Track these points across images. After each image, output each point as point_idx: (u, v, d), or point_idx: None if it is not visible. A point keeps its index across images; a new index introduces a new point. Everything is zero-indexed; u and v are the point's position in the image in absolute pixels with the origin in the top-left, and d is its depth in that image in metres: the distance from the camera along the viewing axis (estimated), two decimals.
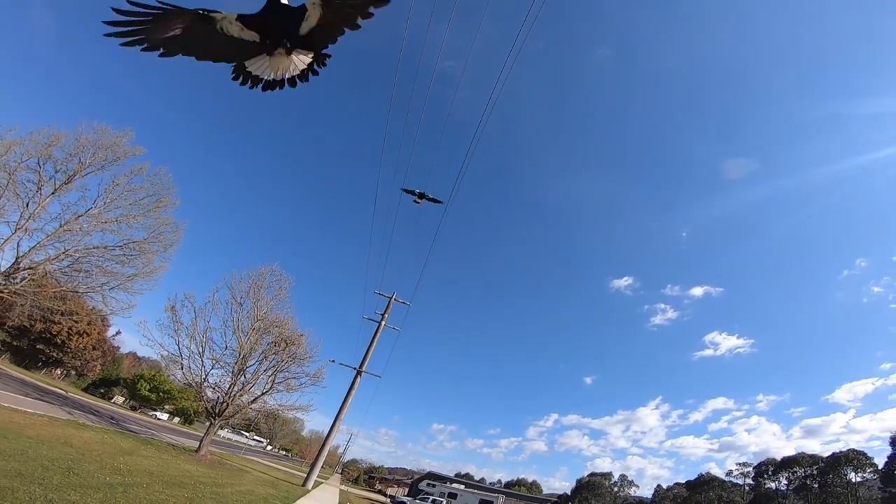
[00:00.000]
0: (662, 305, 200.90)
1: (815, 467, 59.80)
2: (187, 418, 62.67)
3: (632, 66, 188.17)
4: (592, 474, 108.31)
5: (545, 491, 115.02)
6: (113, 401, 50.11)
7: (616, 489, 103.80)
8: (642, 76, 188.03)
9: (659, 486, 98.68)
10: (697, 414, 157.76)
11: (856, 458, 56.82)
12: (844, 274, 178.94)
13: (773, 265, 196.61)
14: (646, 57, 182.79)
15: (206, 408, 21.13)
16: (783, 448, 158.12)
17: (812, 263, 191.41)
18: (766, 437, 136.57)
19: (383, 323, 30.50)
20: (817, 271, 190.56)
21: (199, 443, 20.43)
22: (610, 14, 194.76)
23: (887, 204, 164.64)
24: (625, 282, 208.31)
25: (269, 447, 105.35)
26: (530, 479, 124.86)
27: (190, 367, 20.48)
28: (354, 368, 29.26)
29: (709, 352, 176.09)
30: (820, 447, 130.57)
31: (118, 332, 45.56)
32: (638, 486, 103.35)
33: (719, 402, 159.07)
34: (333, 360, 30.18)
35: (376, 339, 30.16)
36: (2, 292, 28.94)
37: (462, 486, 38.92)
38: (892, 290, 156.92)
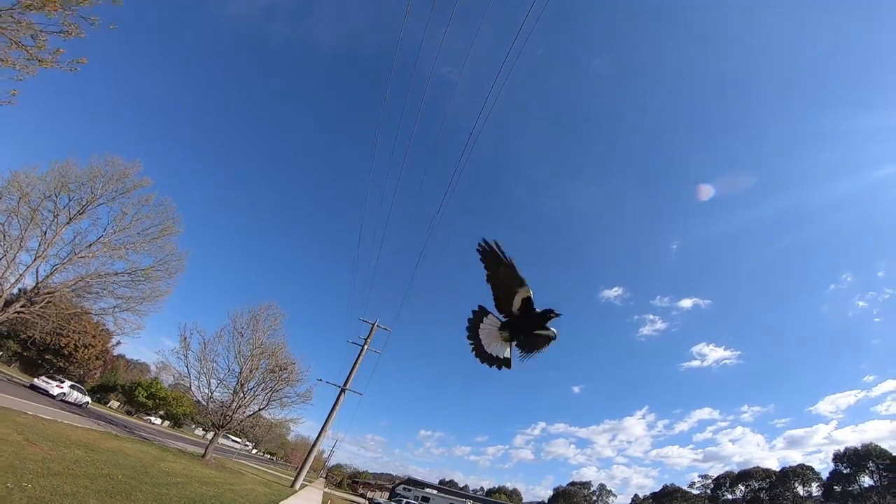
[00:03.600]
0: (651, 316, 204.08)
1: (767, 481, 64.59)
2: (176, 422, 65.93)
3: (629, 77, 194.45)
4: (572, 483, 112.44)
5: (529, 499, 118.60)
6: (109, 405, 53.10)
7: (595, 498, 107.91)
8: (640, 88, 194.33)
9: (636, 495, 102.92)
10: (683, 424, 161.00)
11: (803, 473, 61.75)
12: (831, 288, 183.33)
13: (762, 279, 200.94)
14: (643, 68, 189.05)
15: (210, 420, 24.77)
16: (766, 459, 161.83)
17: (800, 278, 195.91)
18: (750, 448, 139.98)
19: (366, 347, 34.40)
20: (805, 285, 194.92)
21: (204, 449, 24.15)
22: (606, 27, 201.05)
23: (874, 220, 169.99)
24: (615, 292, 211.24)
25: (254, 451, 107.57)
26: (511, 488, 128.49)
27: (199, 387, 24.24)
28: (339, 386, 33.12)
29: (696, 363, 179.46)
30: (802, 457, 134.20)
31: (118, 343, 48.71)
32: (616, 496, 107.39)
33: (705, 413, 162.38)
34: (321, 380, 34.17)
35: (359, 361, 34.06)
36: (24, 313, 32.81)
37: (435, 492, 42.73)
38: (876, 304, 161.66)
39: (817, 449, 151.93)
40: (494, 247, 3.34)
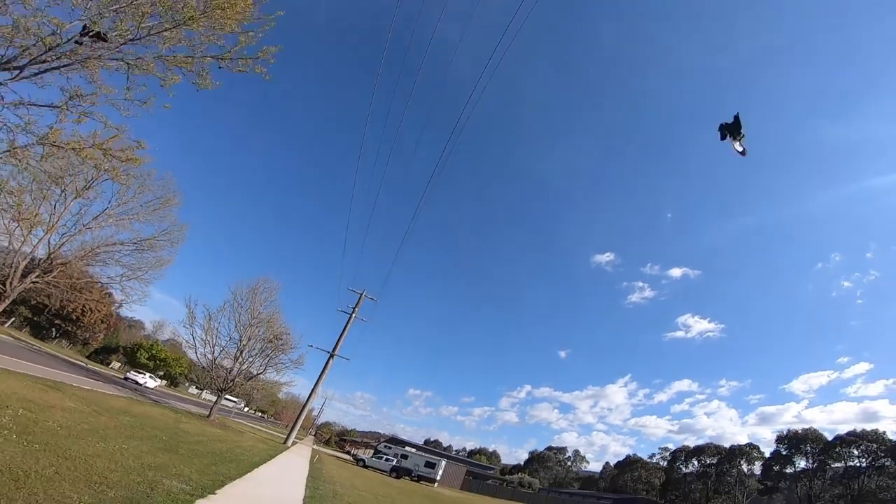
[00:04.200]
0: (641, 284, 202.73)
1: (717, 457, 71.10)
2: (173, 381, 70.19)
3: (635, 46, 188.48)
4: (549, 448, 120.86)
5: (511, 461, 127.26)
6: (111, 366, 56.62)
7: (570, 463, 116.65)
8: (644, 57, 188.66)
9: (607, 462, 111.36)
10: (662, 394, 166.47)
11: (749, 452, 68.07)
12: (819, 266, 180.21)
13: (752, 252, 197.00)
14: (650, 39, 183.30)
15: (215, 385, 28.11)
16: (737, 434, 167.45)
17: (789, 253, 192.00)
18: (724, 423, 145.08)
19: (353, 315, 37.64)
20: (793, 262, 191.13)
21: (209, 411, 27.63)
22: None
23: (866, 201, 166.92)
24: (606, 257, 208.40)
25: (246, 409, 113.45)
26: (491, 450, 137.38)
27: (204, 354, 27.36)
28: (328, 352, 36.62)
29: (680, 333, 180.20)
30: (771, 434, 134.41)
31: (120, 306, 51.46)
32: (589, 462, 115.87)
33: (684, 385, 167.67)
34: (312, 346, 37.79)
35: (347, 329, 37.43)
36: (38, 283, 35.58)
37: (413, 450, 47.59)
38: (860, 285, 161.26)
39: (786, 427, 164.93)
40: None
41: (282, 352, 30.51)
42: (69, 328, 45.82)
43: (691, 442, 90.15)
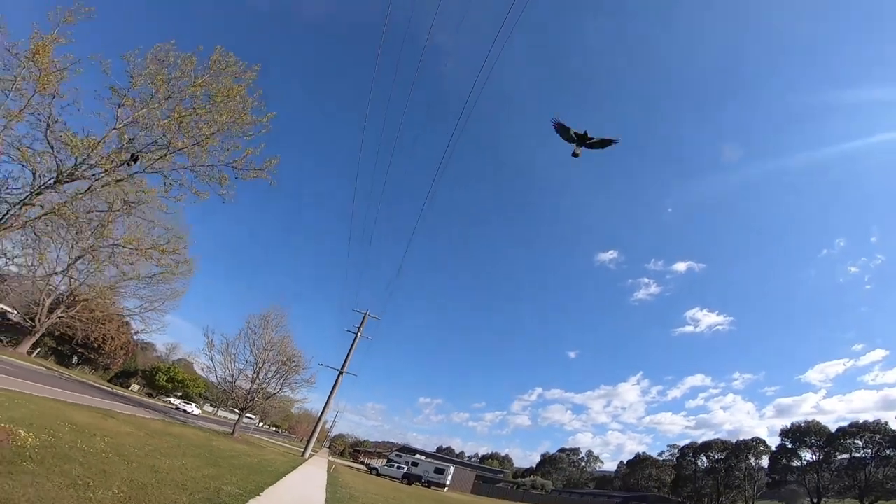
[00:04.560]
0: (646, 280, 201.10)
1: (724, 452, 72.06)
2: (190, 400, 72.91)
3: (626, 40, 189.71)
4: (561, 450, 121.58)
5: (525, 465, 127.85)
6: (130, 389, 59.18)
7: (584, 464, 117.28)
8: (636, 51, 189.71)
9: (621, 462, 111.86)
10: (676, 390, 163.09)
11: (755, 446, 69.02)
12: (823, 253, 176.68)
13: (756, 242, 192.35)
14: (640, 32, 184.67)
15: (236, 404, 30.31)
16: (756, 427, 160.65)
17: (793, 242, 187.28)
18: (740, 416, 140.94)
19: (359, 335, 39.83)
20: (798, 250, 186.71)
21: (232, 428, 29.83)
22: None
23: (868, 185, 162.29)
24: (609, 255, 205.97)
25: (260, 424, 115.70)
26: (503, 454, 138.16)
27: (224, 377, 29.64)
28: (337, 370, 38.76)
29: (689, 328, 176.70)
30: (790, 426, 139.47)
31: (137, 333, 53.97)
32: (603, 462, 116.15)
33: (697, 380, 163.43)
34: (322, 364, 40.01)
35: (353, 348, 39.56)
36: (64, 318, 38.27)
37: (423, 457, 49.55)
38: (867, 270, 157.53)
39: (805, 418, 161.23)
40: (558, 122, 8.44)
41: (295, 372, 32.83)
42: (91, 355, 48.46)
43: (709, 437, 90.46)
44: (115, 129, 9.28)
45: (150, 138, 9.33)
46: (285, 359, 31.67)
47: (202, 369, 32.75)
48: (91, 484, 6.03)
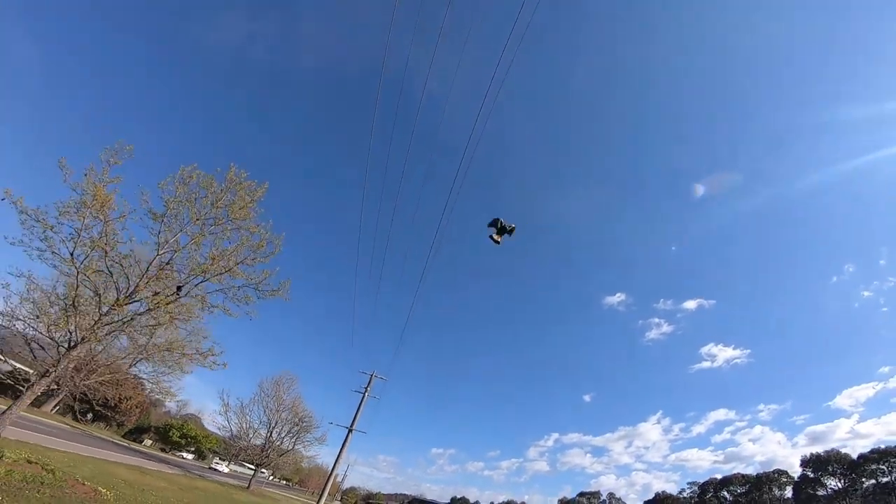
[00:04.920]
0: (657, 320, 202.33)
1: (747, 485, 69.71)
2: (201, 455, 72.86)
3: (615, 83, 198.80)
4: (581, 493, 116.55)
5: None
6: (143, 444, 59.89)
7: None
8: (627, 93, 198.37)
9: (646, 502, 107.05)
10: (700, 426, 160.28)
11: (777, 478, 66.96)
12: (833, 280, 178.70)
13: (763, 275, 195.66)
14: (629, 73, 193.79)
15: (253, 460, 31.64)
16: (789, 456, 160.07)
17: (801, 271, 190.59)
18: (772, 447, 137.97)
19: (366, 395, 41.31)
20: (807, 279, 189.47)
21: (248, 482, 30.98)
22: (590, 31, 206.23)
23: (870, 208, 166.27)
24: (618, 298, 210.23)
25: (270, 477, 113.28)
26: (519, 502, 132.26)
27: (240, 436, 31.23)
28: (346, 427, 39.96)
29: (706, 364, 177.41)
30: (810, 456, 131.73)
31: (150, 391, 55.62)
32: (626, 503, 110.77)
33: (721, 414, 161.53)
34: (332, 423, 41.44)
35: (362, 407, 40.80)
36: (87, 382, 40.17)
37: None
38: (881, 293, 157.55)
39: (842, 444, 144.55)
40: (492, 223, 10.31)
41: (307, 431, 34.37)
42: (108, 413, 49.95)
43: (741, 470, 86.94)
44: (157, 255, 11.99)
45: (188, 266, 11.98)
46: (297, 419, 33.33)
47: (218, 427, 34.33)
48: None
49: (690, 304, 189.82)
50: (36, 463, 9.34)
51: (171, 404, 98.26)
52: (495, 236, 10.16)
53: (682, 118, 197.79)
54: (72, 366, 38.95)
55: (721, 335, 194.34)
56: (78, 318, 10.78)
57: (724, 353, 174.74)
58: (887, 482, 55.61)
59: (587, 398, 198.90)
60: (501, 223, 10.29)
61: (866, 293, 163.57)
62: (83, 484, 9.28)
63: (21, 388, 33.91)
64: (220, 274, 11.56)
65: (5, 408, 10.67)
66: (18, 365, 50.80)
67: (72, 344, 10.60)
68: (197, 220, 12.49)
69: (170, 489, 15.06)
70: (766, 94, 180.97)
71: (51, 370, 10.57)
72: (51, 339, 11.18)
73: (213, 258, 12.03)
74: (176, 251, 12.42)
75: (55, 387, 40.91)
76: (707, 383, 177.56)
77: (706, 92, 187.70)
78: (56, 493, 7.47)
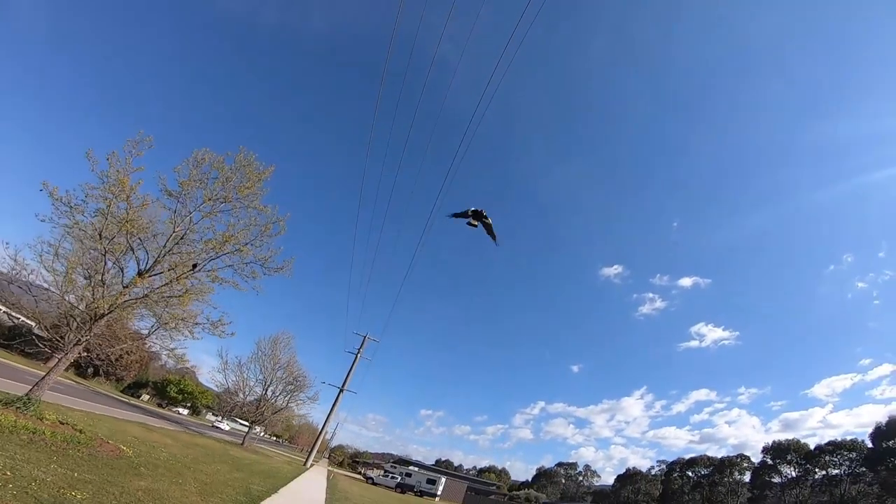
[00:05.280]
0: (651, 295, 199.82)
1: (711, 468, 74.40)
2: (195, 411, 76.34)
3: (630, 56, 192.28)
4: (559, 464, 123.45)
5: (523, 478, 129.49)
6: (141, 399, 62.78)
7: (581, 478, 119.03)
8: (641, 67, 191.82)
9: (617, 476, 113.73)
10: (680, 405, 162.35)
11: (739, 463, 71.46)
12: (830, 269, 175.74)
13: (762, 258, 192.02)
14: (645, 48, 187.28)
15: (248, 417, 33.88)
16: (761, 441, 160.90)
17: (800, 257, 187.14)
18: (746, 430, 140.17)
19: (358, 356, 43.39)
20: (805, 265, 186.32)
21: (242, 439, 33.34)
22: (611, 10, 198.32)
23: (875, 200, 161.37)
24: (615, 270, 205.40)
25: (262, 433, 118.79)
26: (500, 467, 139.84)
27: (236, 392, 33.28)
28: (338, 387, 42.28)
29: (694, 343, 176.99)
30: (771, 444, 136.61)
31: (150, 346, 57.89)
32: (600, 476, 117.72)
33: (702, 394, 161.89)
34: (325, 382, 43.65)
35: (354, 368, 43.03)
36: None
37: (416, 469, 52.66)
38: (876, 286, 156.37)
39: (812, 432, 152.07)
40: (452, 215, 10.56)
41: (300, 390, 36.46)
42: (108, 368, 52.23)
43: (713, 452, 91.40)
44: (174, 231, 13.15)
45: (202, 245, 13.18)
46: (292, 378, 35.32)
47: (216, 385, 36.42)
48: (180, 481, 9.68)
49: (686, 282, 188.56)
50: (66, 423, 10.84)
51: (167, 359, 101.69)
52: (473, 221, 10.47)
53: (699, 99, 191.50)
54: (97, 333, 40.89)
55: (712, 315, 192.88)
56: (105, 290, 12.06)
57: (713, 334, 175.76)
58: (836, 474, 59.72)
59: (575, 368, 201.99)
60: (473, 210, 10.50)
61: (861, 284, 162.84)
62: (107, 442, 10.82)
63: (40, 347, 35.74)
64: (231, 253, 12.88)
65: (44, 373, 12.12)
66: (21, 317, 52.60)
67: (97, 315, 11.92)
68: (209, 199, 13.61)
69: (175, 446, 16.84)
70: (777, 72, 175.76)
71: (82, 339, 11.95)
72: (77, 309, 12.49)
73: (225, 238, 13.25)
74: (189, 229, 13.61)
75: (85, 353, 43.08)
76: (693, 362, 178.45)
77: (724, 74, 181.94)
78: (91, 452, 8.95)
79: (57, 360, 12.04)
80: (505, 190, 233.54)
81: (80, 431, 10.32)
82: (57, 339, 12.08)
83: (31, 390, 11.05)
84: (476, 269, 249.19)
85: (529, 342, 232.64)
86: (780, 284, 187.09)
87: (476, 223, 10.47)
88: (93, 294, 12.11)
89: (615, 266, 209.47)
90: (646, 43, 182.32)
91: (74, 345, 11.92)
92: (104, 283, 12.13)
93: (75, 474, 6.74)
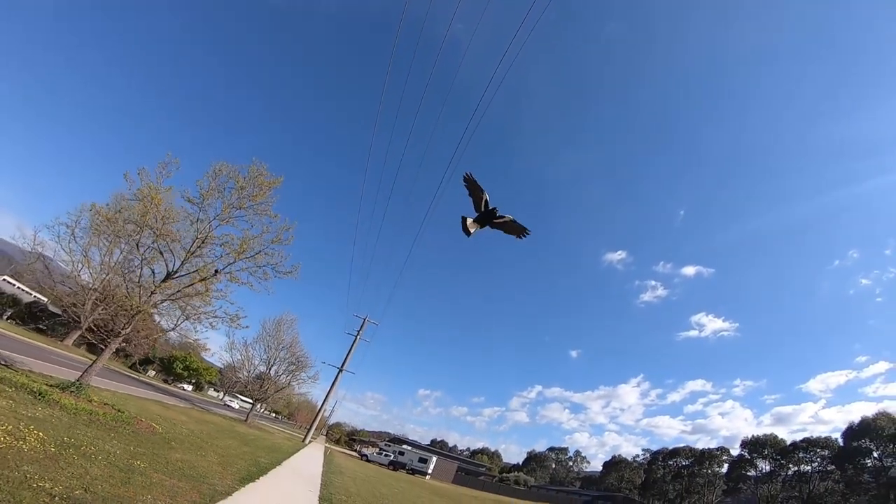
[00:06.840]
0: (653, 282, 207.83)
1: (691, 459, 77.67)
2: (199, 387, 79.78)
3: (642, 43, 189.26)
4: (550, 448, 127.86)
5: (516, 461, 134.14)
6: (148, 374, 65.89)
7: (570, 463, 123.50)
8: (653, 55, 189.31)
9: (605, 463, 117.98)
10: (676, 394, 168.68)
11: (718, 455, 74.60)
12: (836, 264, 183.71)
13: (767, 250, 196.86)
14: (657, 35, 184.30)
15: (252, 395, 36.51)
16: (751, 434, 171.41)
17: (806, 250, 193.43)
18: (738, 423, 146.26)
19: (358, 338, 45.79)
20: (810, 260, 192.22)
21: (246, 416, 36.01)
22: None
23: (886, 198, 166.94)
24: (618, 256, 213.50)
25: (263, 410, 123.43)
26: (494, 450, 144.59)
27: (241, 370, 35.80)
28: (338, 367, 44.83)
29: (693, 332, 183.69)
30: (787, 435, 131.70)
31: (159, 323, 60.64)
32: (589, 462, 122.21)
33: (698, 385, 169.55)
34: (325, 362, 46.83)
35: (353, 349, 45.49)
36: (104, 314, 44.27)
37: (409, 448, 55.85)
38: (879, 283, 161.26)
39: (802, 427, 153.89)
40: (471, 176, 6.79)
41: (301, 370, 38.99)
42: (121, 345, 55.20)
43: (705, 442, 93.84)
44: (196, 237, 15.11)
45: (221, 251, 15.18)
46: (294, 358, 37.81)
47: (223, 364, 39.06)
48: (203, 453, 11.85)
49: (689, 270, 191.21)
50: (108, 404, 13.01)
51: (172, 335, 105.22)
52: (470, 227, 7.63)
53: (711, 90, 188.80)
54: (133, 326, 43.47)
55: (713, 305, 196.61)
56: (141, 291, 14.15)
57: (713, 324, 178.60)
58: (807, 471, 62.59)
59: (574, 353, 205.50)
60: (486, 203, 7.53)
61: (864, 281, 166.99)
62: (142, 420, 13.00)
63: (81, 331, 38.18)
64: (247, 258, 14.94)
65: (91, 361, 14.34)
66: (38, 295, 55.13)
67: (135, 312, 14.02)
68: (227, 207, 15.56)
69: (190, 422, 19.16)
70: (797, 70, 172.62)
71: (122, 332, 14.10)
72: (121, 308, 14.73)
73: (242, 248, 15.26)
74: (209, 235, 15.60)
75: (124, 343, 46.31)
76: (692, 352, 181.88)
77: (738, 66, 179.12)
78: (134, 429, 11.10)
79: (103, 351, 14.19)
80: (508, 171, 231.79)
81: (120, 412, 12.47)
82: (75, 319, 14.36)
83: (81, 376, 13.24)
84: (479, 249, 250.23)
85: (530, 325, 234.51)
86: (784, 277, 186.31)
87: (472, 231, 7.80)
88: (128, 292, 14.16)
89: (619, 252, 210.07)
90: (659, 28, 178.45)
91: (116, 336, 14.00)
92: (140, 285, 14.16)
93: (131, 448, 8.85)
